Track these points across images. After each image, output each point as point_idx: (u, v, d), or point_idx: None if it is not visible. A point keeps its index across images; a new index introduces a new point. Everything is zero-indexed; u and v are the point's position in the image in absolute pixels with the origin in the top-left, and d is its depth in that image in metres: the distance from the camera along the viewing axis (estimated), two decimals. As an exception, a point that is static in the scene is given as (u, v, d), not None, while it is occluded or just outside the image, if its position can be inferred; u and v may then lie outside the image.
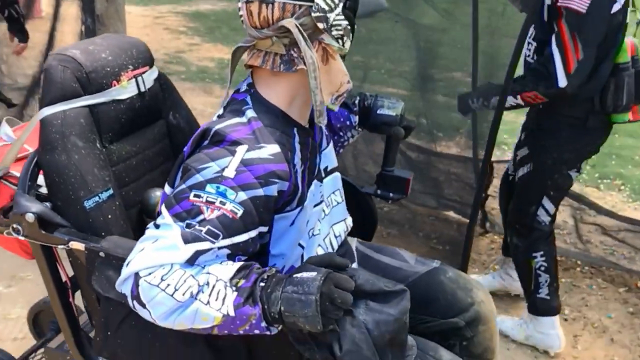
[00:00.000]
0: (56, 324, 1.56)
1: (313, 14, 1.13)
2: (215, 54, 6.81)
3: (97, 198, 1.24)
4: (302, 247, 1.28)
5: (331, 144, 1.44)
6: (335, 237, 1.41)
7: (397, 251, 1.55)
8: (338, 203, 1.44)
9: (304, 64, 1.14)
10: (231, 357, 1.18)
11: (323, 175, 1.37)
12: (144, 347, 1.21)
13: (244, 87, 1.24)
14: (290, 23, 1.12)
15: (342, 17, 1.16)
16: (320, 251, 1.34)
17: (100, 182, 1.26)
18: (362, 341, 0.98)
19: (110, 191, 1.28)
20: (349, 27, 1.18)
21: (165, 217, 1.07)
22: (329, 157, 1.41)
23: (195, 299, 1.01)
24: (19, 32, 3.15)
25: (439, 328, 1.42)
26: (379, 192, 1.60)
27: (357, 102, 1.57)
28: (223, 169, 1.09)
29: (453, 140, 3.38)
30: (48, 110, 1.25)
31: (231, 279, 1.03)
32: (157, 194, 1.39)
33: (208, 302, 1.01)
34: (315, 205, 1.31)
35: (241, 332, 1.03)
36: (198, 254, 1.04)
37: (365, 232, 1.66)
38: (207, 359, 1.18)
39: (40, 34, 3.59)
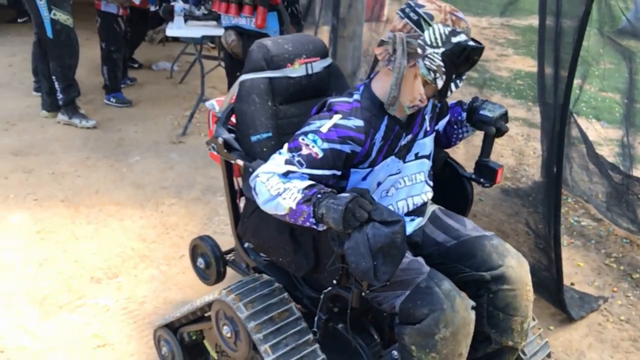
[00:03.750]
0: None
1: (418, 40, 1.55)
2: (516, 66, 6.90)
3: (259, 136, 1.84)
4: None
5: (430, 137, 1.83)
6: (414, 204, 1.80)
7: (463, 219, 1.86)
8: (421, 181, 1.82)
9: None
10: (303, 245, 1.70)
11: (412, 158, 1.77)
12: (258, 231, 1.82)
13: (366, 81, 1.72)
14: (400, 35, 1.57)
15: (439, 57, 1.54)
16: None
17: (264, 127, 1.85)
18: (360, 242, 1.39)
19: (269, 134, 1.86)
20: (442, 69, 1.55)
21: (284, 147, 1.64)
22: (422, 146, 1.81)
23: (279, 195, 1.54)
24: (297, 24, 4.01)
25: (471, 278, 1.72)
26: (473, 176, 1.91)
27: (469, 102, 1.90)
28: (321, 126, 1.61)
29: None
30: (244, 77, 1.89)
31: (303, 189, 1.52)
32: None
33: (284, 198, 1.53)
34: (391, 175, 1.72)
35: (299, 222, 1.52)
36: (289, 172, 1.57)
37: (460, 207, 1.97)
38: (288, 244, 1.72)
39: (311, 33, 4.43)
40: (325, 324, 1.71)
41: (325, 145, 1.59)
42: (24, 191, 3.72)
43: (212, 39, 5.19)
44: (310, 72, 1.95)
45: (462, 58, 1.54)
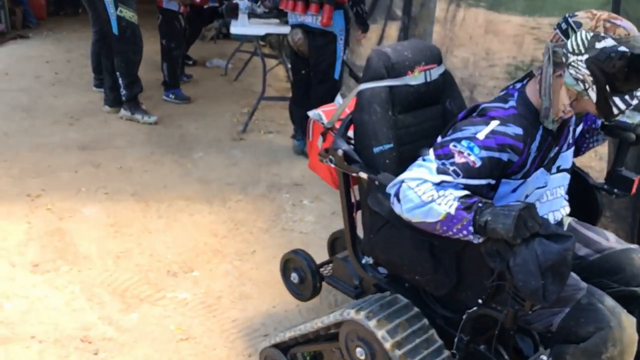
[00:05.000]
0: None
1: (563, 49, 1.42)
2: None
3: (381, 147, 1.71)
4: None
5: (571, 150, 1.69)
6: (554, 219, 1.67)
7: (603, 231, 1.73)
8: (560, 195, 1.69)
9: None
10: (444, 262, 1.57)
11: (554, 170, 1.64)
12: (390, 247, 1.68)
13: (518, 86, 1.59)
14: (547, 44, 1.47)
15: (583, 65, 1.40)
16: None
17: (385, 137, 1.73)
18: (529, 260, 1.26)
19: (391, 145, 1.73)
20: (590, 79, 1.40)
21: (430, 155, 1.50)
22: (565, 159, 1.67)
23: (433, 201, 1.40)
24: (361, 24, 3.87)
25: (621, 294, 1.58)
26: (605, 187, 1.77)
27: None
28: (477, 133, 1.47)
29: None
30: (364, 86, 1.76)
31: (460, 197, 1.39)
32: (424, 151, 1.79)
33: (439, 204, 1.39)
34: (538, 188, 1.59)
35: (454, 230, 1.38)
36: (443, 182, 1.43)
37: (590, 218, 1.83)
38: (428, 261, 1.58)
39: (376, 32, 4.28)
40: (467, 346, 1.59)
41: (484, 154, 1.45)
42: (95, 185, 3.66)
43: (264, 36, 5.07)
44: (429, 79, 1.82)
45: (616, 67, 1.37)
